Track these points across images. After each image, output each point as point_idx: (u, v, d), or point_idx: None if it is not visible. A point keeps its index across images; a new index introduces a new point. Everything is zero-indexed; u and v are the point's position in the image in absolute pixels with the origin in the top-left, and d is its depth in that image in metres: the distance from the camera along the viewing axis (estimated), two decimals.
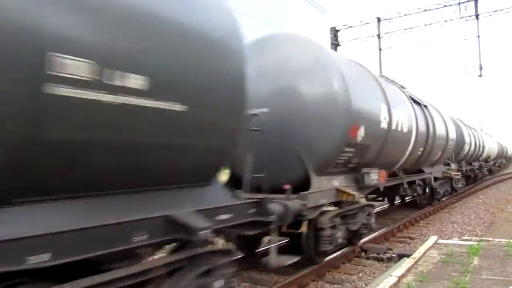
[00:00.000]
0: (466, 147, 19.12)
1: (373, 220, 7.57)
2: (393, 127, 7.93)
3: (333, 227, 6.16)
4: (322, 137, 5.93)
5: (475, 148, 21.78)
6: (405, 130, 8.76)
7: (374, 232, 8.39)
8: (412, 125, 9.36)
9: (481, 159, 25.31)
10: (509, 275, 5.10)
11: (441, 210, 13.39)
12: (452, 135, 14.44)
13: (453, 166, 15.51)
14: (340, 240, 6.35)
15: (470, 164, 21.45)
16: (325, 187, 6.11)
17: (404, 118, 8.73)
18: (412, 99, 10.36)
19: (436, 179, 13.28)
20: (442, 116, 13.60)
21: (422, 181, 11.92)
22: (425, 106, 11.50)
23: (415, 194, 11.49)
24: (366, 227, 7.38)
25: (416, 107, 10.34)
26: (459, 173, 15.73)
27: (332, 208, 6.44)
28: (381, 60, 23.17)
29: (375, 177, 7.39)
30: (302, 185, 5.78)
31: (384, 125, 7.47)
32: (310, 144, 5.88)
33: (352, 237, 7.21)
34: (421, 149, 10.46)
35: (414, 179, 11.03)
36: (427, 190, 12.71)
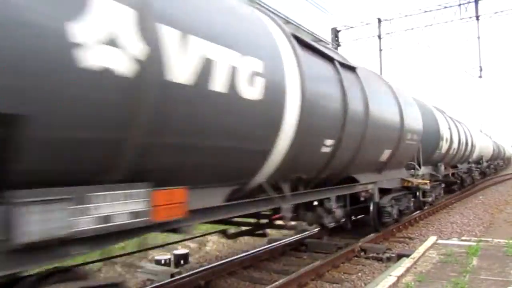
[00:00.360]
0: (444, 145, 14.30)
1: None
2: (193, 79, 3.19)
3: None
4: None
5: (459, 147, 17.07)
6: (255, 95, 3.93)
7: None
8: (285, 88, 4.43)
9: (471, 160, 21.33)
10: (508, 276, 5.12)
11: (440, 210, 13.41)
12: (414, 124, 9.38)
13: (421, 171, 10.99)
14: None
15: (456, 167, 17.74)
16: None
17: (250, 66, 3.88)
18: (299, 39, 5.27)
19: (386, 191, 8.78)
20: (395, 93, 8.60)
21: (351, 199, 7.52)
22: (349, 68, 6.64)
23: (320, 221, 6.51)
24: None
25: (312, 56, 5.55)
26: (428, 181, 10.75)
27: None
28: (381, 60, 23.23)
29: (113, 209, 2.76)
30: None
31: (125, 66, 2.62)
32: None
33: None
34: (331, 141, 5.70)
35: (319, 198, 6.19)
36: (371, 209, 8.42)
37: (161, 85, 2.91)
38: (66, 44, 2.29)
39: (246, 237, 8.58)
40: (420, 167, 11.05)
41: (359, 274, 6.50)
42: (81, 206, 2.57)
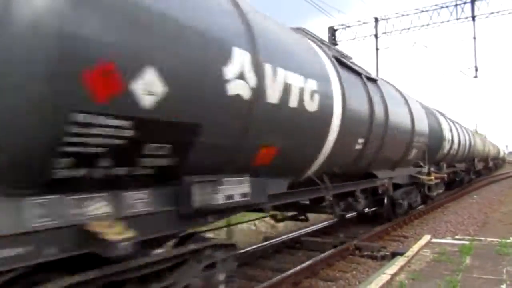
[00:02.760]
0: (446, 145, 15.23)
1: (221, 276, 3.95)
2: (279, 99, 4.23)
3: None
4: None
5: (459, 147, 17.71)
6: (314, 107, 4.97)
7: None
8: (333, 100, 5.52)
9: (468, 159, 21.58)
10: (500, 274, 5.18)
11: (435, 209, 13.50)
12: (422, 128, 10.37)
13: (426, 168, 11.77)
14: None
15: (454, 166, 18.24)
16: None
17: (310, 86, 4.90)
18: (338, 59, 6.42)
19: (399, 186, 9.91)
20: (406, 100, 9.66)
21: (372, 191, 8.52)
22: (372, 80, 7.77)
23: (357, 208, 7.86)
24: None
25: (346, 72, 6.54)
26: (432, 177, 11.84)
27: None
28: (378, 60, 23.30)
29: (232, 191, 3.85)
30: None
31: (242, 89, 3.69)
32: None
33: None
34: (362, 140, 6.79)
35: (351, 189, 7.33)
36: (385, 201, 9.82)
37: (264, 105, 4.03)
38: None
39: (241, 235, 8.61)
40: (425, 165, 11.84)
41: (354, 272, 6.54)
42: (206, 189, 3.56)
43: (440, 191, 14.15)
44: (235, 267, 4.25)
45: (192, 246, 3.68)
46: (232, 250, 4.22)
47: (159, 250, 3.46)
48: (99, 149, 2.63)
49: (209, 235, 4.68)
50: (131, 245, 2.69)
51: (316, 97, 5.03)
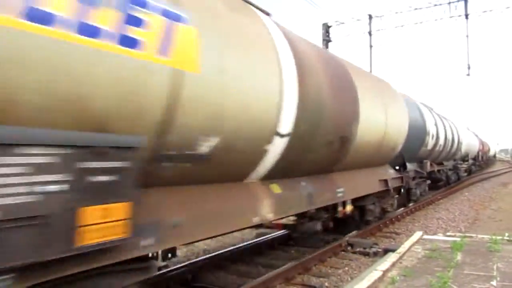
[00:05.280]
0: (430, 141, 13.52)
1: None
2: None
3: None
4: None
5: (445, 144, 16.28)
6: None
7: None
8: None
9: (457, 157, 20.81)
10: (490, 271, 5.21)
11: (426, 206, 13.59)
12: (396, 120, 8.62)
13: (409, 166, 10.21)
14: None
15: (441, 163, 17.17)
16: None
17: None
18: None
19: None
20: (381, 89, 8.28)
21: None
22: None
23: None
24: None
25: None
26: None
27: None
28: (371, 57, 23.34)
29: None
30: None
31: None
32: None
33: None
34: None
35: None
36: (347, 208, 7.43)
37: None
38: None
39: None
40: (405, 165, 10.77)
41: (346, 268, 6.56)
42: None
43: (423, 191, 12.99)
44: None
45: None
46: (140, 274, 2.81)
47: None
48: None
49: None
50: None
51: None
